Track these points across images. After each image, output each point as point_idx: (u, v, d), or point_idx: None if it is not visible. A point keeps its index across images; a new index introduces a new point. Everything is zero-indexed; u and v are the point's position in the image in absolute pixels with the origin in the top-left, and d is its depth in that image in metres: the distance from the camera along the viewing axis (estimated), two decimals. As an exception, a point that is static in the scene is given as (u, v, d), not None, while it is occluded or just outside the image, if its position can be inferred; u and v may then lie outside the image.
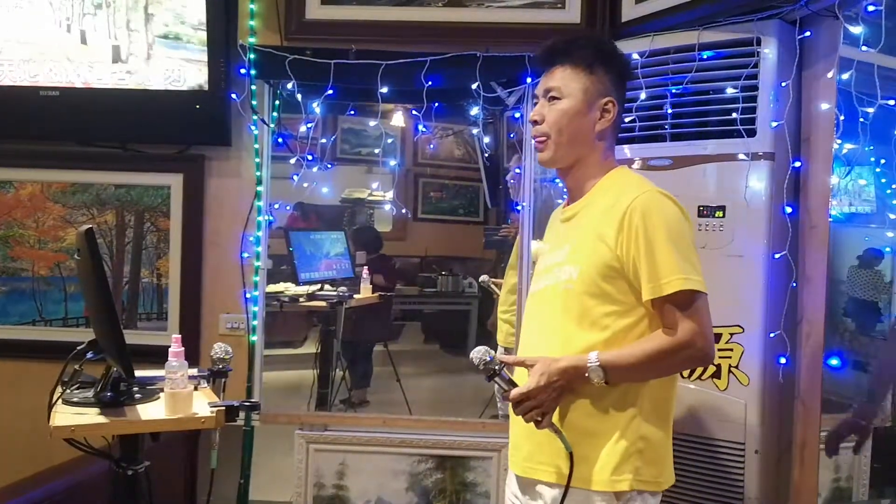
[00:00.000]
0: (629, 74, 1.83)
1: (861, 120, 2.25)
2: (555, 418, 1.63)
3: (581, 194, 1.78)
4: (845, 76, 2.20)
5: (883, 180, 2.72)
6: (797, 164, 2.34)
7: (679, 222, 1.65)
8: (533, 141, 1.79)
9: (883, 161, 2.68)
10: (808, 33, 2.28)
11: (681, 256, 1.60)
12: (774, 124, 2.31)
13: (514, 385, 1.63)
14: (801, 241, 2.35)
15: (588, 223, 1.71)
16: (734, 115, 2.36)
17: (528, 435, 1.71)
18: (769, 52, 2.32)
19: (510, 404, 1.64)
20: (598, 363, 1.59)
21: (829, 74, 2.23)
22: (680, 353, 1.60)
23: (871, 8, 2.12)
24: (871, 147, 2.55)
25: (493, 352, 1.62)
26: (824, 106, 2.27)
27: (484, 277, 2.87)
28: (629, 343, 1.64)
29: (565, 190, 1.84)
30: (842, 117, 2.24)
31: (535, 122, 1.77)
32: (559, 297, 1.70)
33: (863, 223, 2.80)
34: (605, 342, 1.64)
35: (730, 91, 2.39)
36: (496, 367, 1.62)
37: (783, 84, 2.31)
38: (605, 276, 1.64)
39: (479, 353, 1.62)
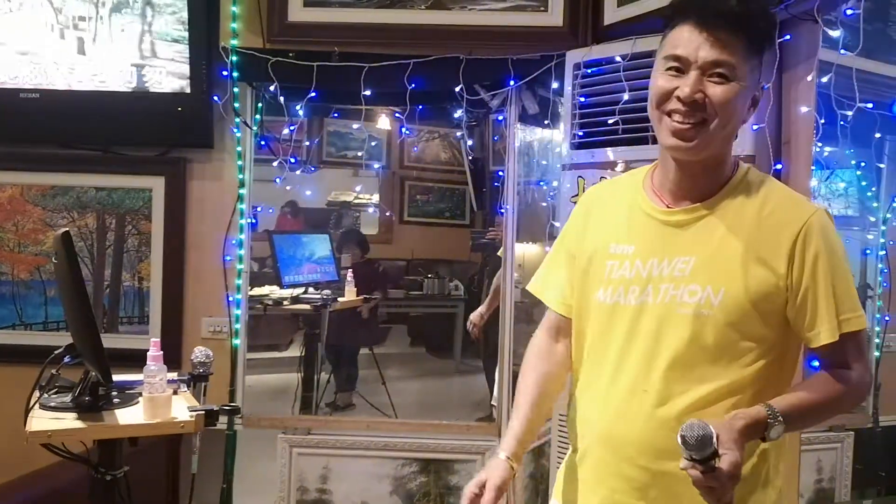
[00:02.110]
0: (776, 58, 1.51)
1: (841, 123, 2.27)
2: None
3: (700, 194, 1.41)
4: (825, 79, 2.22)
5: (863, 183, 2.75)
6: (778, 166, 2.35)
7: (844, 248, 1.40)
8: (666, 121, 1.36)
9: (863, 164, 2.71)
10: (787, 37, 2.29)
11: (854, 290, 1.38)
12: (755, 127, 2.32)
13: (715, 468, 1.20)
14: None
15: (728, 235, 1.36)
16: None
17: (637, 492, 1.39)
18: (750, 55, 2.33)
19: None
20: (780, 418, 1.27)
21: (809, 78, 2.25)
22: (853, 396, 1.39)
23: (849, 12, 2.14)
24: (852, 150, 2.58)
25: (710, 426, 1.18)
26: (804, 109, 2.28)
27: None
28: (771, 384, 1.37)
29: (674, 184, 1.42)
30: (822, 120, 2.25)
31: (690, 103, 1.32)
32: (684, 324, 1.35)
33: (843, 226, 2.82)
34: (744, 382, 1.35)
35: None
36: (715, 446, 1.17)
37: (764, 87, 2.31)
38: (759, 307, 1.34)
39: (696, 429, 1.17)
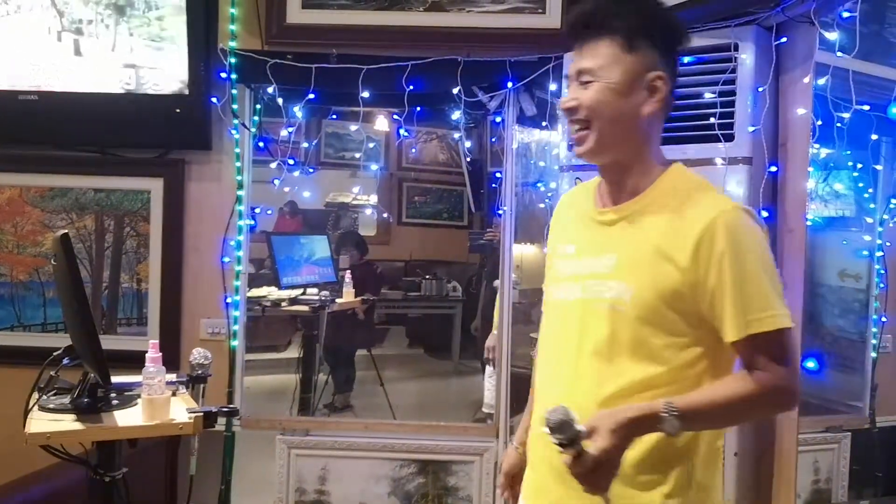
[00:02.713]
0: (681, 41, 1.48)
1: (837, 125, 2.28)
2: None
3: (628, 194, 1.46)
4: (821, 81, 2.22)
5: (860, 184, 2.76)
6: (774, 168, 2.36)
7: (766, 247, 1.39)
8: (570, 131, 1.48)
9: (860, 165, 2.72)
10: (784, 39, 2.30)
11: (773, 289, 1.35)
12: (752, 129, 2.33)
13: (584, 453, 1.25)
14: (778, 246, 2.37)
15: (645, 234, 1.41)
16: (712, 119, 2.38)
17: (559, 477, 1.40)
18: (746, 57, 2.34)
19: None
20: (675, 413, 1.28)
21: (806, 80, 2.26)
22: (770, 399, 1.37)
23: (846, 14, 2.14)
24: (848, 152, 2.59)
25: (573, 412, 1.23)
26: (801, 111, 2.29)
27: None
28: (689, 380, 1.38)
29: (606, 186, 1.52)
30: (818, 122, 2.26)
31: (570, 111, 1.44)
32: (604, 319, 1.40)
33: (841, 227, 2.83)
34: (662, 378, 1.37)
35: (708, 96, 2.40)
36: (579, 431, 1.22)
37: (760, 89, 2.32)
38: (669, 304, 1.36)
39: (560, 413, 1.21)
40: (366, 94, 2.90)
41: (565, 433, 1.21)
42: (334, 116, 3.66)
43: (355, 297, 4.62)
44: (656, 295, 1.36)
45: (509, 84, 2.90)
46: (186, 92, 2.96)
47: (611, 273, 1.41)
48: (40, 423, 1.76)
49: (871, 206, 2.77)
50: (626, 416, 1.27)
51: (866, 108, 2.28)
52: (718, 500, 1.47)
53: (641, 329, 1.37)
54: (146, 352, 1.85)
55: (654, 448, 1.36)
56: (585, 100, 1.41)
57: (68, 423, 1.77)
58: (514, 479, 1.65)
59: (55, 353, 1.86)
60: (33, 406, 1.83)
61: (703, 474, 1.41)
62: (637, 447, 1.32)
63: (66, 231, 1.77)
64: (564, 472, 1.28)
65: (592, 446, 1.23)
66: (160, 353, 1.84)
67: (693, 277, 1.34)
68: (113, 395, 1.91)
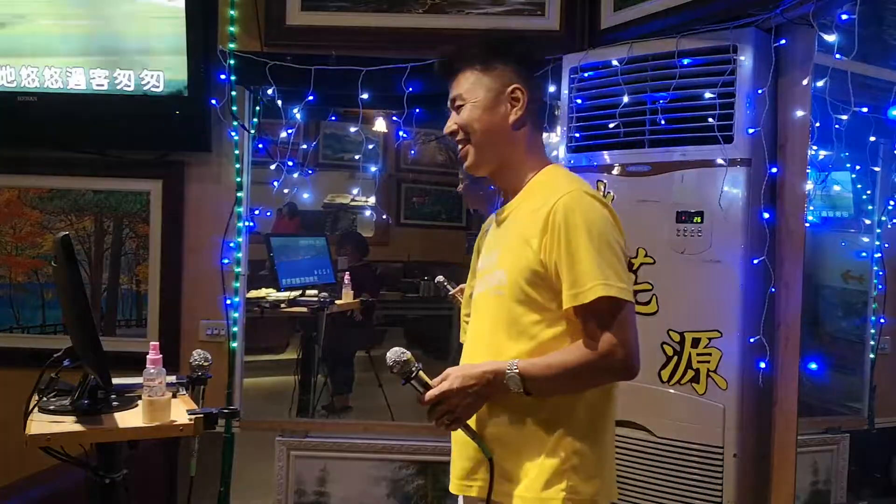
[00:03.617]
0: (531, 57, 1.73)
1: (836, 127, 2.28)
2: (475, 426, 1.57)
3: (512, 196, 1.69)
4: (820, 83, 2.23)
5: (859, 186, 2.77)
6: (773, 170, 2.36)
7: (604, 224, 1.53)
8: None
9: (858, 167, 2.72)
10: (783, 41, 2.31)
11: (603, 261, 1.49)
12: (751, 131, 2.34)
13: (430, 388, 1.52)
14: (778, 247, 2.37)
15: (515, 225, 1.62)
16: (711, 121, 2.39)
17: (461, 451, 1.64)
18: (745, 59, 2.35)
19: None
20: (516, 371, 1.49)
21: (805, 82, 2.26)
22: (600, 366, 1.50)
23: (844, 16, 2.15)
24: (847, 153, 2.60)
25: (408, 353, 1.52)
26: (800, 113, 2.30)
27: (440, 278, 2.79)
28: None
29: (503, 193, 1.75)
30: (817, 124, 2.27)
31: (452, 134, 1.68)
32: (491, 304, 1.62)
33: (840, 228, 2.84)
34: (532, 353, 1.54)
35: (707, 97, 2.41)
36: (413, 369, 1.51)
37: (759, 91, 2.33)
38: (530, 282, 1.54)
39: (394, 353, 1.51)
40: (365, 96, 2.91)
41: (399, 369, 1.50)
42: (333, 118, 3.66)
43: (354, 298, 4.62)
44: (521, 275, 1.55)
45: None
46: (186, 94, 2.96)
47: (496, 264, 1.63)
48: (40, 424, 1.75)
49: (870, 207, 2.78)
50: (476, 369, 1.53)
51: (865, 109, 2.29)
52: (602, 468, 1.57)
53: (515, 308, 1.56)
54: (145, 353, 1.84)
55: (527, 412, 1.54)
56: (460, 121, 1.64)
57: (68, 424, 1.76)
58: None
59: (55, 355, 1.85)
60: (33, 408, 1.82)
61: (582, 438, 1.54)
62: (512, 410, 1.54)
63: (67, 233, 1.77)
64: (465, 446, 1.60)
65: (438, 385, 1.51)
66: (161, 355, 1.83)
67: (541, 255, 1.53)
68: (113, 396, 1.90)
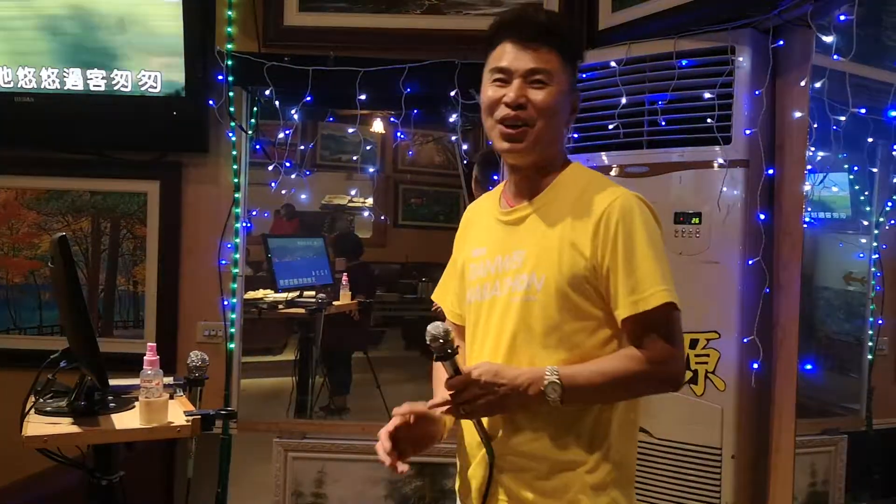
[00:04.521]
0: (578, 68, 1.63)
1: (834, 128, 2.29)
2: (521, 447, 1.46)
3: (532, 193, 1.54)
4: (818, 84, 2.23)
5: (857, 187, 2.77)
6: (771, 171, 2.36)
7: (657, 230, 1.48)
8: (498, 128, 1.49)
9: (856, 168, 2.73)
10: (781, 42, 2.31)
11: (663, 268, 1.42)
12: (749, 132, 2.34)
13: (459, 374, 1.40)
14: (775, 248, 2.38)
15: (550, 226, 1.49)
16: (710, 122, 2.39)
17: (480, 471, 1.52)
18: (743, 60, 2.35)
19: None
20: (556, 377, 1.37)
21: (802, 83, 2.26)
22: (652, 376, 1.43)
23: (842, 18, 2.15)
24: (845, 154, 2.60)
25: (451, 330, 1.40)
26: (797, 114, 2.30)
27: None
28: None
29: (514, 186, 1.58)
30: (815, 125, 2.27)
31: (518, 107, 1.46)
32: (516, 311, 1.48)
33: (839, 229, 2.84)
34: (574, 362, 1.43)
35: (705, 98, 2.41)
36: (453, 348, 1.39)
37: (757, 92, 2.33)
38: (576, 288, 1.43)
39: (436, 329, 1.37)
40: (363, 97, 2.90)
41: (439, 345, 1.37)
42: (331, 119, 3.66)
43: (352, 299, 4.62)
44: (565, 281, 1.43)
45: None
46: (183, 94, 2.96)
47: (521, 267, 1.49)
48: (37, 426, 1.75)
49: (868, 208, 2.78)
50: (511, 371, 1.40)
51: (863, 111, 2.29)
52: (632, 475, 1.53)
53: (553, 315, 1.44)
54: (142, 354, 1.84)
55: (569, 426, 1.44)
56: (538, 100, 1.46)
57: (65, 426, 1.76)
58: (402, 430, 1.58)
59: (52, 356, 1.85)
60: (30, 409, 1.82)
61: (619, 450, 1.47)
62: (552, 428, 1.43)
63: (64, 233, 1.76)
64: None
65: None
66: (158, 356, 1.83)
67: (593, 260, 1.43)
68: (110, 397, 1.90)
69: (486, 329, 1.54)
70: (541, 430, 1.45)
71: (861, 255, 2.80)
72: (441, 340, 1.37)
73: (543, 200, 1.53)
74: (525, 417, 1.46)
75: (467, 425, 1.56)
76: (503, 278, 1.52)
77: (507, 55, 1.48)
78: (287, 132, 3.04)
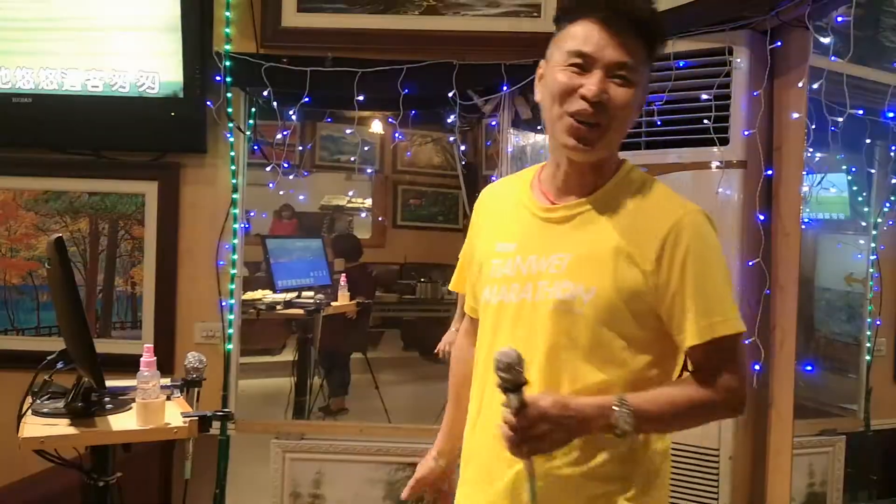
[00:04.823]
0: None
1: (831, 129, 2.28)
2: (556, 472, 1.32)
3: (582, 191, 1.37)
4: (815, 85, 2.23)
5: (855, 188, 2.77)
6: (769, 172, 2.36)
7: (721, 250, 1.35)
8: (567, 121, 1.30)
9: (854, 169, 2.73)
10: (778, 43, 2.31)
11: (732, 292, 1.33)
12: (747, 133, 2.34)
13: (525, 407, 1.21)
14: (773, 249, 2.37)
15: (603, 232, 1.33)
16: (707, 122, 2.39)
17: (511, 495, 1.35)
18: (741, 61, 2.35)
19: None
20: (627, 408, 1.23)
21: (800, 83, 2.26)
22: (722, 405, 1.32)
23: (840, 19, 2.15)
24: (842, 156, 2.60)
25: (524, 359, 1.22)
26: (795, 115, 2.29)
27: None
28: (643, 385, 1.31)
29: (560, 180, 1.39)
30: (812, 126, 2.27)
31: (596, 105, 1.27)
32: (557, 321, 1.32)
33: (837, 230, 2.84)
34: (623, 382, 1.30)
35: (703, 99, 2.41)
36: (525, 381, 1.20)
37: (755, 93, 2.33)
38: (630, 305, 1.30)
39: (509, 357, 1.18)
40: (361, 98, 2.90)
41: (512, 375, 1.19)
42: (329, 120, 3.66)
43: (350, 300, 4.61)
44: (618, 296, 1.29)
45: (504, 88, 2.90)
46: (181, 95, 2.96)
47: (563, 273, 1.32)
48: (34, 427, 1.75)
49: (866, 209, 2.78)
50: (574, 401, 1.24)
51: (860, 112, 2.29)
52: (668, 498, 1.44)
53: (600, 331, 1.30)
54: (140, 355, 1.84)
55: (614, 455, 1.32)
56: (620, 99, 1.29)
57: (62, 427, 1.76)
58: (428, 485, 1.60)
59: (49, 358, 1.85)
60: (27, 410, 1.82)
61: (659, 476, 1.39)
62: (597, 457, 1.31)
63: (61, 234, 1.76)
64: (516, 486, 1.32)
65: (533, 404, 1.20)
66: (154, 358, 1.83)
67: (655, 279, 1.29)
68: (107, 399, 1.90)
69: (511, 335, 1.36)
70: (578, 453, 1.31)
71: (860, 256, 2.80)
72: (517, 369, 1.19)
73: (596, 202, 1.36)
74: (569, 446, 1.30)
75: (483, 442, 1.41)
76: (537, 281, 1.34)
77: (592, 39, 1.28)
78: (285, 133, 3.04)
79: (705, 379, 1.30)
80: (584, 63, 1.29)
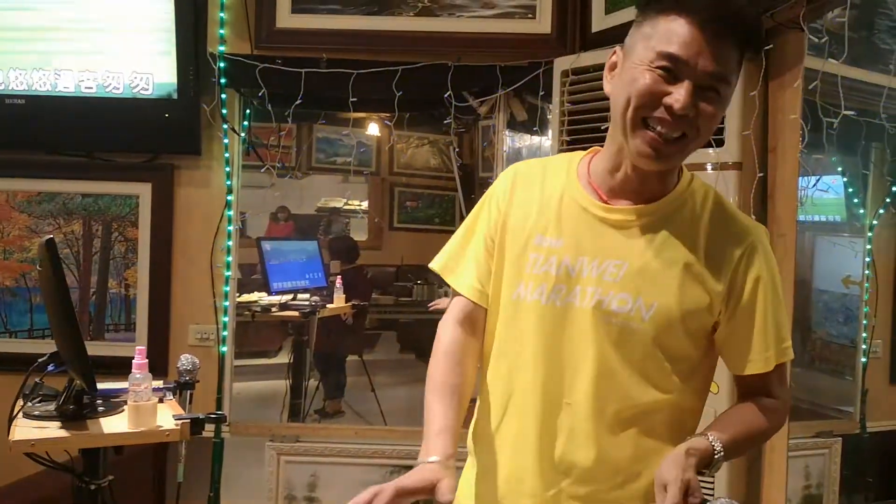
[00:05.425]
0: None
1: (826, 130, 2.28)
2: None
3: (642, 196, 1.26)
4: (810, 87, 2.23)
5: (850, 189, 2.77)
6: (764, 173, 2.36)
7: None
8: (645, 132, 1.18)
9: (849, 171, 2.73)
10: (773, 45, 2.31)
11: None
12: (742, 134, 2.33)
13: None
14: (769, 251, 2.37)
15: (669, 245, 1.23)
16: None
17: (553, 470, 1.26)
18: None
19: None
20: (722, 452, 1.17)
21: (795, 85, 2.26)
22: (779, 425, 1.30)
23: (835, 20, 2.15)
24: (837, 157, 2.60)
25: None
26: (790, 116, 2.29)
27: None
28: (686, 410, 1.28)
29: (618, 181, 1.27)
30: (807, 127, 2.26)
31: (681, 119, 1.15)
32: (610, 333, 1.22)
33: (833, 232, 2.84)
34: (667, 408, 1.25)
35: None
36: None
37: (750, 94, 2.33)
38: (688, 325, 1.22)
39: None
40: (355, 99, 2.89)
41: None
42: (324, 121, 3.66)
43: (346, 302, 4.61)
44: (679, 314, 1.21)
45: (500, 89, 2.90)
46: (175, 96, 2.95)
47: (620, 283, 1.22)
48: (25, 430, 1.74)
49: (861, 211, 2.78)
50: (694, 461, 1.14)
51: (855, 113, 2.29)
52: None
53: (654, 350, 1.22)
54: (134, 358, 1.83)
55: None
56: (708, 114, 1.16)
57: (53, 430, 1.75)
58: (426, 495, 1.31)
59: (40, 360, 1.84)
60: (18, 413, 1.81)
61: None
62: (640, 479, 1.25)
63: (52, 236, 1.75)
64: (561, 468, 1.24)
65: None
66: (146, 360, 1.82)
67: (723, 301, 1.23)
68: (99, 401, 1.89)
69: (552, 341, 1.26)
70: (622, 477, 1.25)
71: (857, 258, 2.80)
72: None
73: (660, 211, 1.25)
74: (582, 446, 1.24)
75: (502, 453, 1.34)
76: (587, 286, 1.24)
77: (686, 41, 1.13)
78: (280, 134, 3.03)
79: (763, 403, 1.27)
80: (673, 68, 1.14)
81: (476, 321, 1.37)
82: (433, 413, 1.35)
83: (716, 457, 1.17)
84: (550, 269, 1.26)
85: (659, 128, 1.17)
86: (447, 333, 1.39)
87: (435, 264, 1.45)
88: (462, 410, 1.36)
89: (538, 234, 1.29)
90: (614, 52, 1.26)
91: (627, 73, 1.20)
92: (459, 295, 1.38)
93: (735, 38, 1.15)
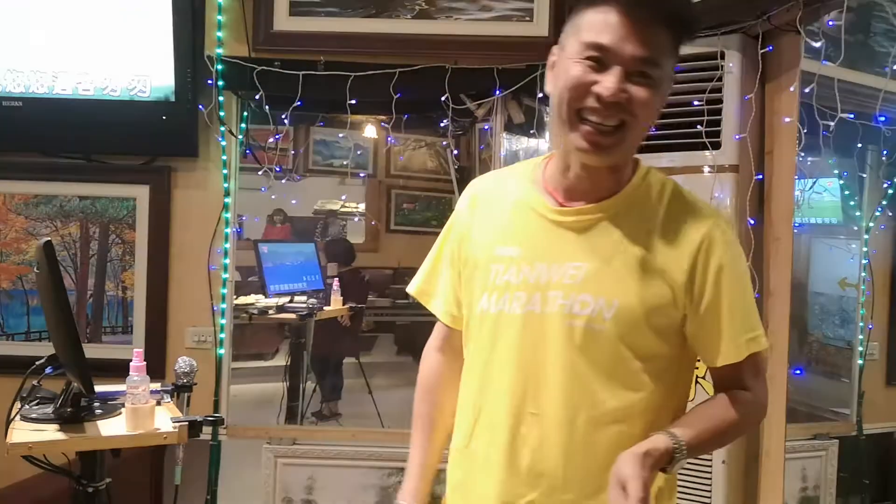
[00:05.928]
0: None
1: (823, 133, 2.29)
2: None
3: (596, 195, 1.25)
4: (807, 90, 2.23)
5: (846, 192, 2.77)
6: (761, 176, 2.37)
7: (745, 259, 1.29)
8: (580, 126, 1.18)
9: (846, 173, 2.73)
10: (770, 48, 2.31)
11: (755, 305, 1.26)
12: (738, 137, 2.34)
13: None
14: (765, 253, 2.38)
15: (626, 242, 1.21)
16: (699, 127, 2.39)
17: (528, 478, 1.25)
18: (733, 65, 2.35)
19: None
20: (684, 448, 1.15)
21: (792, 88, 2.27)
22: (755, 419, 1.31)
23: (831, 23, 2.16)
24: (834, 160, 2.60)
25: None
26: (787, 119, 2.30)
27: None
28: (663, 409, 1.25)
29: (571, 181, 1.26)
30: (804, 130, 2.27)
31: (613, 107, 1.15)
32: (573, 337, 1.20)
33: (829, 234, 2.84)
34: (640, 408, 1.22)
35: (695, 103, 2.41)
36: None
37: (746, 97, 2.33)
38: (654, 322, 1.20)
39: None
40: (353, 102, 2.90)
41: None
42: (321, 124, 3.66)
43: (343, 304, 4.60)
44: (642, 310, 1.19)
45: (497, 92, 2.90)
46: (173, 99, 2.95)
47: (580, 285, 1.21)
48: (22, 433, 1.74)
49: (858, 213, 2.79)
50: (651, 461, 1.11)
51: (851, 116, 2.30)
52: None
53: (621, 350, 1.20)
54: (131, 360, 1.83)
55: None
56: (641, 99, 1.15)
57: (51, 433, 1.75)
58: None
59: (38, 363, 1.84)
60: (15, 416, 1.80)
61: (674, 488, 1.34)
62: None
63: (49, 238, 1.75)
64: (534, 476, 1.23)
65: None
66: (144, 363, 1.82)
67: (686, 293, 1.20)
68: (96, 404, 1.89)
69: (515, 349, 1.24)
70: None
71: (853, 260, 2.80)
72: None
73: (615, 208, 1.24)
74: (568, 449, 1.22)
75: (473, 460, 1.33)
76: (547, 292, 1.22)
77: (611, 29, 1.14)
78: (277, 137, 3.03)
79: (735, 395, 1.25)
80: (601, 57, 1.15)
81: (455, 344, 1.41)
82: (412, 449, 1.45)
83: (676, 455, 1.14)
84: (511, 279, 1.25)
85: (593, 118, 1.16)
86: (425, 364, 1.46)
87: (412, 289, 1.49)
88: (440, 439, 1.43)
89: (498, 246, 1.29)
90: (554, 53, 1.27)
91: (560, 67, 1.22)
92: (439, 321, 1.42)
93: (662, 20, 1.15)
